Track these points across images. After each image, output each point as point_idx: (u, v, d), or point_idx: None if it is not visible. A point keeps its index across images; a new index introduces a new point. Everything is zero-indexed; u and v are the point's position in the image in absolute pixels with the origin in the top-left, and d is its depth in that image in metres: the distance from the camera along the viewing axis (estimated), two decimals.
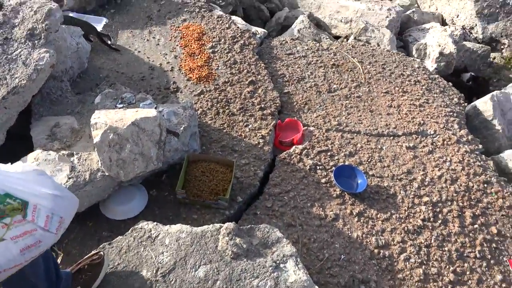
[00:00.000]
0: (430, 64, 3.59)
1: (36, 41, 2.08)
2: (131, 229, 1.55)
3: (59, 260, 1.70)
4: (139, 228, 1.55)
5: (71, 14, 3.07)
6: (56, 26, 2.20)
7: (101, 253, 1.44)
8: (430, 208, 2.11)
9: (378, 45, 3.52)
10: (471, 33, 4.33)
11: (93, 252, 1.48)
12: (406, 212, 2.06)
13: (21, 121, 2.03)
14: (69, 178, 1.70)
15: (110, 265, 1.46)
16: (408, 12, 4.46)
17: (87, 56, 2.63)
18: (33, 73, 1.96)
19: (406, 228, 1.98)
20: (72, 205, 1.32)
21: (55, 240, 1.20)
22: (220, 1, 3.67)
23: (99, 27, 3.03)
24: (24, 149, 1.96)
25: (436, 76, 3.14)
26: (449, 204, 2.15)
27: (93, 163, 1.78)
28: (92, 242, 1.76)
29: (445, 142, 2.53)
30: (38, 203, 1.14)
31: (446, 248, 1.94)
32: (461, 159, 2.42)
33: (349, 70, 3.05)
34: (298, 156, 2.28)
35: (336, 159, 2.30)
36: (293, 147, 2.34)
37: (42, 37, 2.11)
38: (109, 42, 2.93)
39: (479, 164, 2.41)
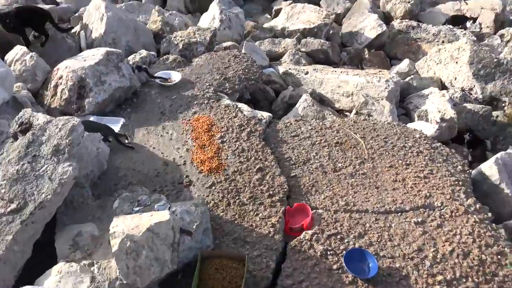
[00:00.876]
0: (433, 130, 3.68)
1: (60, 156, 2.31)
2: None
3: None
4: None
5: (91, 118, 3.37)
6: (78, 140, 2.44)
7: None
8: (445, 287, 2.11)
9: (379, 118, 3.67)
10: (471, 94, 4.46)
11: None
12: None
13: (44, 230, 2.19)
14: None
15: None
16: (407, 79, 4.67)
17: (106, 158, 2.85)
18: (58, 187, 2.16)
19: None
20: None
21: None
22: (227, 90, 3.94)
23: (117, 128, 3.30)
24: (49, 258, 2.11)
25: (438, 144, 3.24)
26: (464, 281, 2.16)
27: (111, 272, 1.90)
28: None
29: (453, 213, 2.56)
30: None
31: None
32: (471, 230, 2.44)
33: (352, 147, 3.18)
34: (309, 242, 2.35)
35: (346, 241, 2.36)
36: (303, 232, 2.42)
37: (66, 151, 2.34)
38: (126, 141, 3.17)
39: (490, 234, 2.42)
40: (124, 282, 1.84)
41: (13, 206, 2.10)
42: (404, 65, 5.09)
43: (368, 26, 5.93)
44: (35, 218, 2.06)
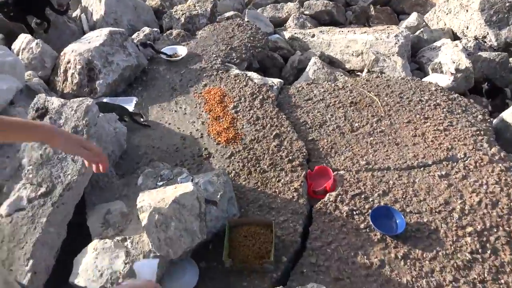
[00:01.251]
0: (448, 82, 3.62)
1: None
2: None
3: None
4: None
5: (105, 100, 3.37)
6: (95, 119, 2.44)
7: None
8: (476, 238, 2.11)
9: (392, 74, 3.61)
10: (485, 42, 4.34)
11: None
12: (452, 247, 2.07)
13: (75, 212, 2.23)
14: (126, 264, 1.87)
15: None
16: (417, 33, 4.55)
17: (125, 137, 2.86)
18: (82, 167, 2.19)
19: (455, 264, 1.98)
20: None
21: None
22: (235, 59, 3.89)
23: (130, 107, 3.29)
24: (82, 237, 2.16)
25: (456, 95, 3.18)
26: (495, 230, 2.14)
27: (144, 245, 1.94)
28: None
29: (478, 163, 2.54)
30: None
31: (503, 280, 1.92)
32: (498, 179, 2.42)
33: (367, 105, 3.14)
34: (333, 203, 2.36)
35: (371, 200, 2.37)
36: (327, 195, 2.43)
37: (84, 132, 2.35)
38: (142, 119, 3.18)
39: None
40: (158, 254, 1.89)
41: (42, 189, 2.14)
42: (412, 18, 4.95)
43: None
44: (64, 200, 2.10)
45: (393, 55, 3.94)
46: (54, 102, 2.59)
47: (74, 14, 4.96)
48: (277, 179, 2.54)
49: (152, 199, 1.99)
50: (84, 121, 2.40)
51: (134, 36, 4.37)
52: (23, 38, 3.88)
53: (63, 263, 2.01)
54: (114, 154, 2.70)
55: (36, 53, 3.75)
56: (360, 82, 3.47)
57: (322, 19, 5.29)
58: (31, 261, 1.89)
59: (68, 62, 3.59)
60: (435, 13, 4.88)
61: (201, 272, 2.03)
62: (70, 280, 1.88)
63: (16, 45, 3.89)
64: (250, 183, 2.53)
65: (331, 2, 5.34)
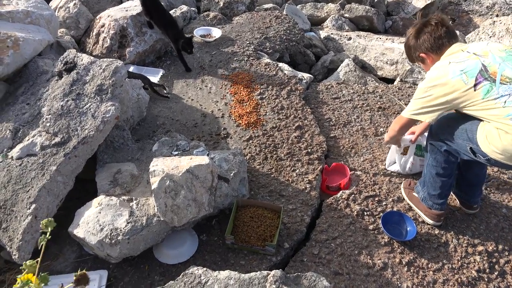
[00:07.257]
0: None
1: (103, 96, 2.31)
2: (182, 274, 1.63)
3: None
4: (190, 273, 1.63)
5: (131, 68, 3.37)
6: (121, 81, 2.43)
7: None
8: (486, 258, 2.02)
9: None
10: None
11: None
12: (459, 263, 1.99)
13: (86, 166, 2.22)
14: (128, 223, 1.84)
15: None
16: None
17: (146, 105, 2.85)
18: (101, 124, 2.17)
19: (459, 279, 1.90)
20: None
21: None
22: (268, 49, 3.85)
23: (156, 78, 3.28)
24: (89, 192, 2.16)
25: None
26: (506, 254, 2.05)
27: (149, 209, 1.91)
28: (145, 285, 1.85)
29: (500, 186, 2.43)
30: None
31: None
32: None
33: (395, 113, 3.05)
34: (345, 201, 2.29)
35: (384, 204, 2.29)
36: (340, 192, 2.36)
37: (109, 91, 2.34)
38: (164, 91, 3.16)
39: None
40: (162, 219, 1.85)
41: (57, 139, 2.13)
42: None
43: None
44: (78, 152, 2.08)
45: None
46: (84, 58, 2.58)
47: None
48: (292, 169, 2.48)
49: (166, 166, 1.96)
50: (110, 81, 2.38)
51: (171, 12, 4.38)
52: None
53: (64, 214, 1.99)
54: (133, 119, 2.69)
55: (72, 13, 3.78)
56: (392, 89, 3.39)
57: (361, 24, 5.21)
58: (33, 205, 1.88)
59: (102, 26, 3.61)
60: (478, 34, 4.73)
61: (200, 244, 1.99)
62: (69, 230, 1.86)
63: (54, 3, 3.94)
64: (264, 168, 2.48)
65: (373, 9, 5.25)
